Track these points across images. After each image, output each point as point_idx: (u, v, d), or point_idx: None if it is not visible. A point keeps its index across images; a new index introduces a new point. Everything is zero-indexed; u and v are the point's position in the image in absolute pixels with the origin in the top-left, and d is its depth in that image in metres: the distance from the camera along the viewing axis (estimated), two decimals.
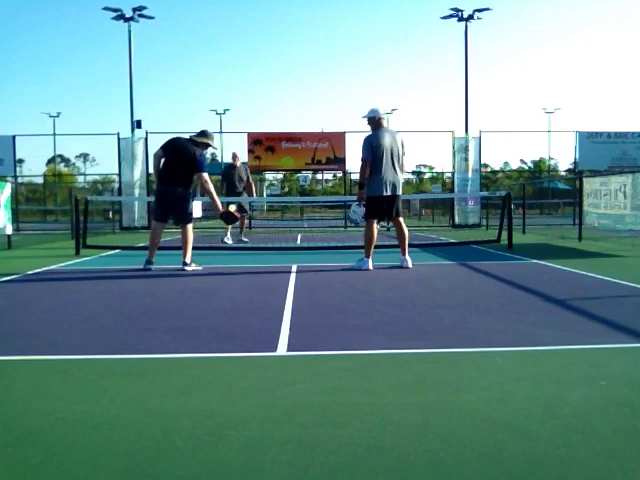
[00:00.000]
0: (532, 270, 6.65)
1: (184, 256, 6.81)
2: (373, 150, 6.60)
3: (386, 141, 6.64)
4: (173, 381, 2.59)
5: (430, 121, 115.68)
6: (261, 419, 2.08)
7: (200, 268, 6.81)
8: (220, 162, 20.74)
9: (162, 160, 6.91)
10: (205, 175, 6.87)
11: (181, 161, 6.77)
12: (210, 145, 7.10)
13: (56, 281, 6.11)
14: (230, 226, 11.57)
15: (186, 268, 6.72)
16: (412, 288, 5.36)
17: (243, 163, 12.16)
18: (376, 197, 6.69)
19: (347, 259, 7.20)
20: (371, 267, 6.63)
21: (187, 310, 4.28)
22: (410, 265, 6.78)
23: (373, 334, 3.43)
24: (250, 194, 11.55)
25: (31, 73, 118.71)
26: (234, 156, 11.50)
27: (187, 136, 7.07)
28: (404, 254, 6.87)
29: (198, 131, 7.06)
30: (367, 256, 6.70)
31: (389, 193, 6.67)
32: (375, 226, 6.81)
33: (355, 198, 7.34)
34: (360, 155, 6.72)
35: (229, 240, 11.14)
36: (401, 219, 6.91)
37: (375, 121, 6.77)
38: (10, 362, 2.95)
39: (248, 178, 11.41)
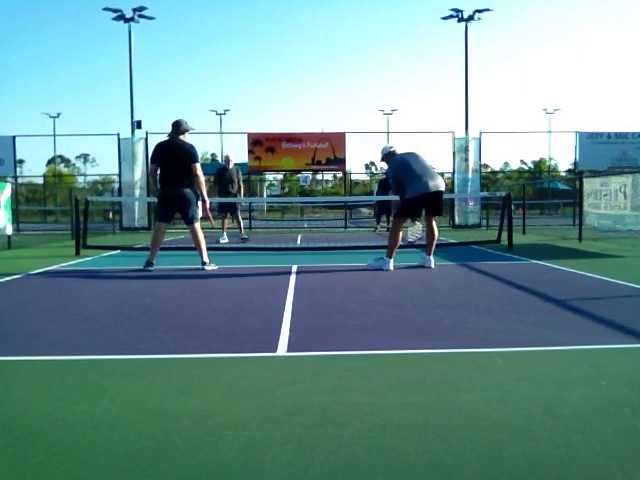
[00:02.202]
0: (532, 270, 6.65)
1: (201, 256, 6.84)
2: (401, 166, 6.73)
3: (409, 156, 6.82)
4: (173, 381, 2.59)
5: (430, 121, 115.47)
6: (261, 419, 2.08)
7: (217, 267, 6.83)
8: (221, 162, 20.76)
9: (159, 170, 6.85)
10: (197, 166, 6.80)
11: (177, 159, 6.73)
12: (190, 129, 7.04)
13: (56, 281, 6.11)
14: (226, 227, 11.68)
15: (206, 268, 6.74)
16: (412, 288, 5.36)
17: (237, 164, 12.31)
18: (416, 197, 6.66)
19: (347, 259, 7.20)
20: (392, 268, 6.62)
21: (187, 310, 4.28)
22: (432, 265, 6.80)
23: (373, 334, 3.43)
24: (240, 195, 11.92)
25: (31, 73, 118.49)
26: (227, 159, 11.71)
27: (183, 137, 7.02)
28: (429, 254, 6.88)
29: (173, 127, 6.89)
30: (389, 257, 6.68)
31: (432, 190, 6.67)
32: (401, 227, 6.87)
33: (359, 198, 7.43)
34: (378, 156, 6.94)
35: (224, 240, 11.27)
36: (433, 219, 6.95)
37: (388, 155, 6.95)
38: (10, 362, 2.95)
39: (239, 180, 11.70)
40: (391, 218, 7.12)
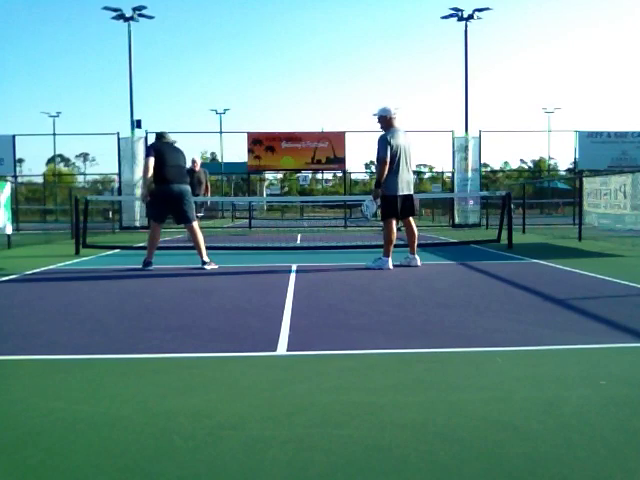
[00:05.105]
0: (532, 270, 6.65)
1: (200, 255, 6.84)
2: (391, 149, 6.57)
3: (400, 140, 6.65)
4: (173, 381, 2.59)
5: (430, 121, 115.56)
6: (261, 419, 2.08)
7: (217, 267, 6.83)
8: (221, 162, 20.75)
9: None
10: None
11: (176, 156, 6.80)
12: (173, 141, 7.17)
13: (56, 281, 6.10)
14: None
15: (206, 267, 6.75)
16: (412, 288, 5.35)
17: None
18: (394, 196, 6.68)
19: (347, 259, 7.19)
20: (391, 267, 6.62)
21: (187, 310, 4.28)
22: (419, 264, 6.81)
23: (373, 334, 3.43)
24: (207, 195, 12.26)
25: (31, 73, 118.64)
26: (193, 161, 11.77)
27: (183, 136, 7.08)
28: (413, 253, 6.90)
29: (159, 136, 7.01)
30: (387, 255, 6.68)
31: (405, 192, 6.71)
32: (394, 225, 6.80)
33: (358, 198, 7.34)
34: (374, 153, 6.67)
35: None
36: (411, 218, 6.94)
37: (387, 120, 6.69)
38: (10, 362, 2.95)
39: (206, 182, 11.91)
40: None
